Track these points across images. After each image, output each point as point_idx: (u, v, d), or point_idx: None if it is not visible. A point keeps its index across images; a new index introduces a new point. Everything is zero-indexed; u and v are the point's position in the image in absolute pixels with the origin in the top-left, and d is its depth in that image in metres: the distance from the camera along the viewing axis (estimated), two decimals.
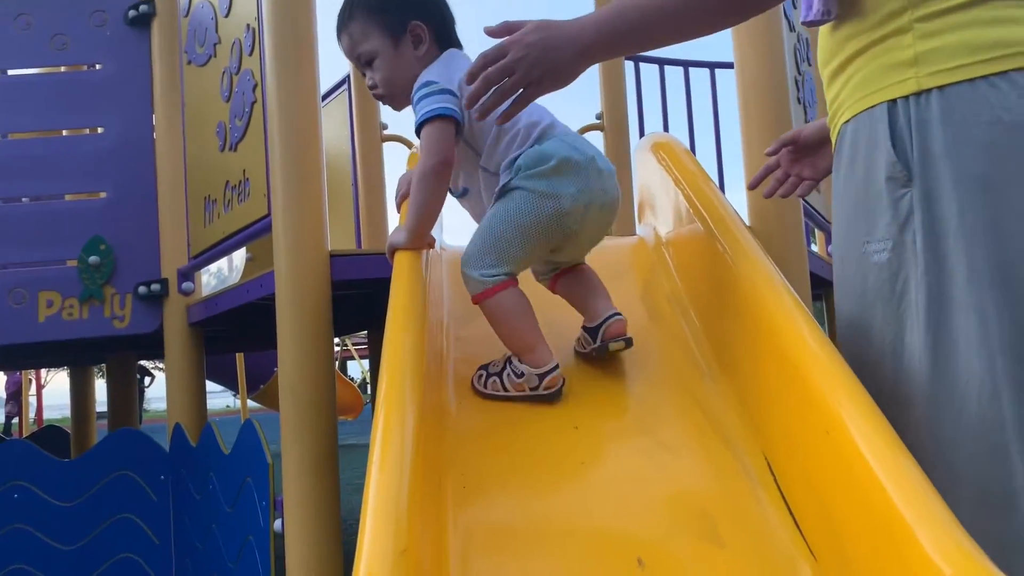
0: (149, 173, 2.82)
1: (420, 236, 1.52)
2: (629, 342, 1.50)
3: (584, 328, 1.55)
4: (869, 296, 1.17)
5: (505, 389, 1.43)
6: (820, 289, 2.89)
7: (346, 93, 3.52)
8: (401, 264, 1.44)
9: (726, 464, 1.29)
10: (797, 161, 1.51)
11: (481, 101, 1.26)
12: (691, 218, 1.67)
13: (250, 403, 8.49)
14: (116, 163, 2.83)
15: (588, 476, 1.31)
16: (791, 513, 1.17)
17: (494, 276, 1.44)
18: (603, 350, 1.50)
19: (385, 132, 3.43)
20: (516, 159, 1.48)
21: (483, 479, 1.29)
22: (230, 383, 8.31)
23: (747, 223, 2.15)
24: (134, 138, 2.85)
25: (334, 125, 3.53)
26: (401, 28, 1.54)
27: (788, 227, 2.03)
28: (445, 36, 1.59)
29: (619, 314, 1.51)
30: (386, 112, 3.45)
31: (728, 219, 1.55)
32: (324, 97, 3.74)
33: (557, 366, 1.42)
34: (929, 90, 1.11)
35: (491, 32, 1.27)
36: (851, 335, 1.20)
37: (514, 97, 1.26)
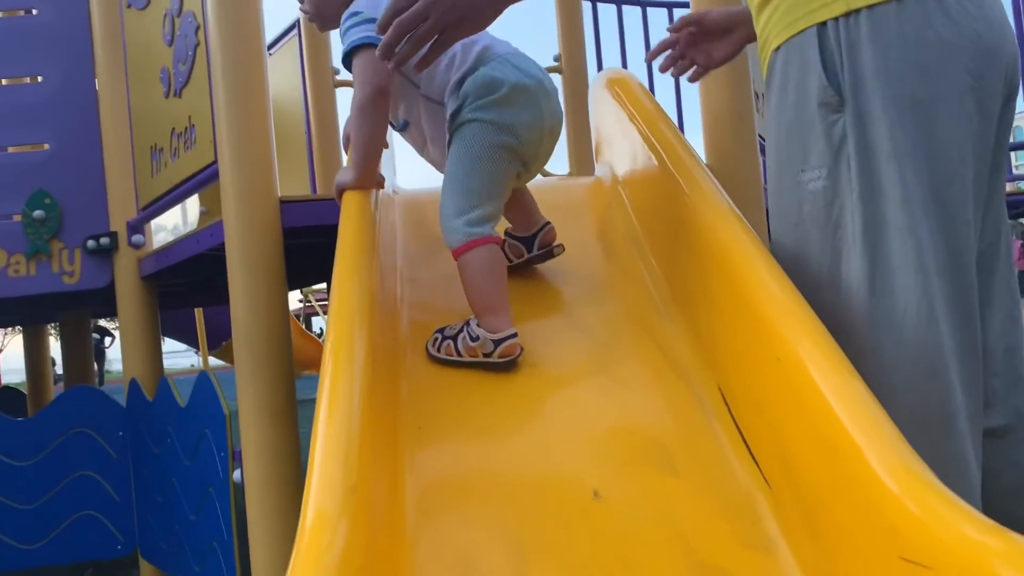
0: (92, 123, 2.72)
1: (367, 173, 1.48)
2: (561, 247, 1.59)
3: (513, 236, 1.59)
4: (805, 225, 1.17)
5: (459, 353, 1.37)
6: None
7: (296, 38, 3.42)
8: (349, 204, 1.41)
9: (681, 397, 1.30)
10: (694, 45, 1.47)
11: (396, 50, 1.20)
12: (647, 156, 1.64)
13: (213, 361, 8.41)
14: (58, 113, 2.73)
15: (544, 414, 1.31)
16: (745, 442, 1.18)
17: (479, 227, 1.38)
18: (548, 255, 1.57)
19: (337, 77, 3.35)
20: (461, 82, 1.43)
21: (439, 419, 1.28)
22: (192, 340, 8.22)
23: (704, 161, 2.14)
24: (75, 86, 2.75)
25: (285, 71, 3.44)
26: None
27: (745, 165, 2.02)
28: None
29: (550, 223, 1.58)
30: (339, 58, 3.36)
31: (684, 155, 1.53)
32: (274, 43, 3.63)
33: (515, 335, 1.36)
34: (858, 10, 1.10)
35: None
36: (787, 265, 1.19)
37: (431, 43, 1.20)
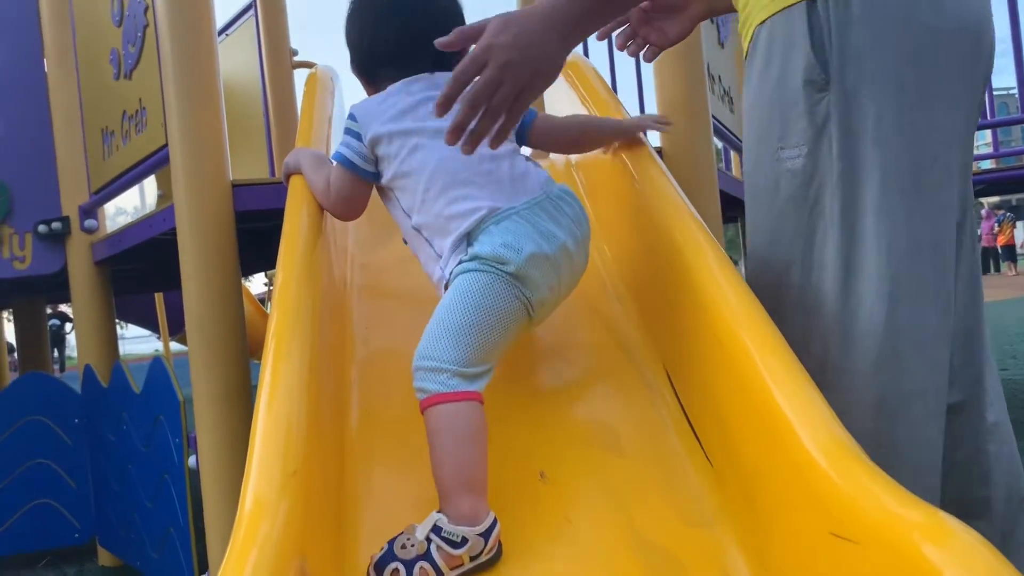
0: (42, 105, 2.68)
1: None
2: None
3: None
4: (780, 202, 1.15)
5: (440, 573, 0.99)
6: (735, 211, 2.93)
7: (253, 19, 3.37)
8: (297, 187, 1.40)
9: (629, 379, 1.31)
10: (647, 23, 1.41)
11: (469, 130, 1.04)
12: None
13: (176, 346, 8.31)
14: (5, 95, 2.68)
15: (494, 397, 1.31)
16: (689, 422, 1.20)
17: (469, 383, 1.09)
18: None
19: (295, 59, 3.31)
20: (467, 239, 1.20)
21: (388, 405, 1.28)
22: (154, 325, 8.11)
23: (658, 144, 2.15)
24: (23, 68, 2.70)
25: (242, 52, 3.39)
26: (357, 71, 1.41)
27: (698, 148, 2.04)
28: (374, 72, 1.37)
29: None
30: (296, 37, 3.32)
31: (633, 139, 1.54)
32: (230, 24, 3.58)
33: (496, 519, 1.04)
34: None
35: (444, 45, 1.05)
36: (761, 241, 1.19)
37: (507, 112, 1.06)
